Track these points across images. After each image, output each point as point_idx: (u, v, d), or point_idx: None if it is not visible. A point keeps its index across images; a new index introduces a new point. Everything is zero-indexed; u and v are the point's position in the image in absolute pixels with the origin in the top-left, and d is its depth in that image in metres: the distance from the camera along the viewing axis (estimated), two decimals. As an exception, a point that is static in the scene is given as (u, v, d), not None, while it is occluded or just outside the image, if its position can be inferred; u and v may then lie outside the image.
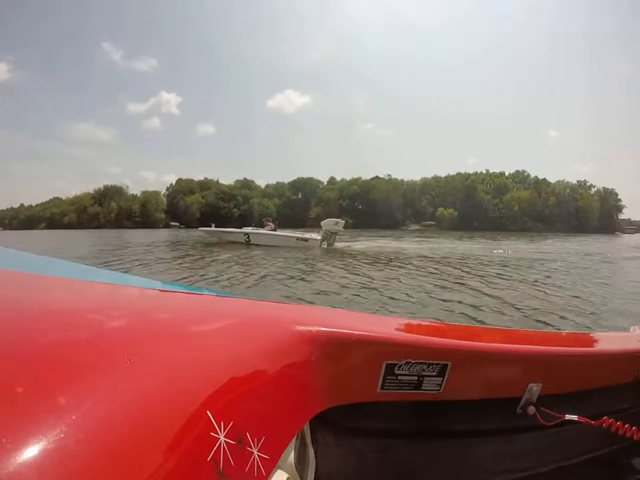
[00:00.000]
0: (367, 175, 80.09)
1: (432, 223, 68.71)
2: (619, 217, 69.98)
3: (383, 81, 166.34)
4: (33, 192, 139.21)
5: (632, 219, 74.29)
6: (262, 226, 14.72)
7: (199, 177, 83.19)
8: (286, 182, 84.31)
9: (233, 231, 15.09)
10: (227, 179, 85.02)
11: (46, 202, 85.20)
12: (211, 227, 15.85)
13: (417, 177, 78.54)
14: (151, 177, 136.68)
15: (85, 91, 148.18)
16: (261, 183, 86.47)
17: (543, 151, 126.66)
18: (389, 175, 78.47)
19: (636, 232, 67.75)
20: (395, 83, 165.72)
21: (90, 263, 7.45)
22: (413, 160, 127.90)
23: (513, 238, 25.05)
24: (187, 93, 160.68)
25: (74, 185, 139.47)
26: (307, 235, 13.84)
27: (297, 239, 13.53)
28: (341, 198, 75.60)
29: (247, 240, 13.87)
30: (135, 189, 79.89)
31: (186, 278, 5.89)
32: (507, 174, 71.48)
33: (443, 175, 76.51)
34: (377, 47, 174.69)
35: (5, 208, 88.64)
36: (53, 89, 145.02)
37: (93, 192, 77.33)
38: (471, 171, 74.53)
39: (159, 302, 0.64)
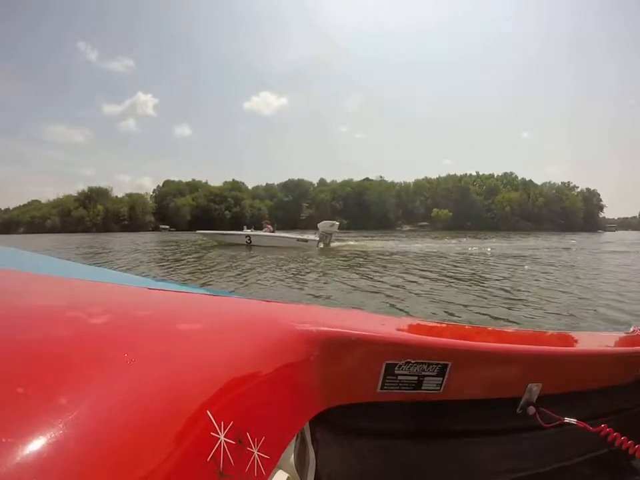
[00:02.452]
0: (346, 176, 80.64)
1: (425, 223, 69.71)
2: (600, 216, 73.24)
3: (362, 84, 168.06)
4: (5, 195, 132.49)
5: (606, 217, 78.04)
6: (260, 228, 15.04)
7: (175, 179, 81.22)
8: (275, 183, 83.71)
9: (233, 234, 15.27)
10: (206, 181, 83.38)
11: (24, 205, 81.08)
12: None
13: (394, 178, 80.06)
14: (126, 179, 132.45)
15: (58, 91, 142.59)
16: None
17: (516, 152, 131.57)
18: (380, 177, 79.27)
19: (616, 229, 71.21)
20: (374, 85, 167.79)
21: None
22: (390, 160, 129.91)
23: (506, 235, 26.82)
24: (164, 94, 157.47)
25: (47, 188, 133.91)
26: (306, 236, 14.31)
27: (298, 239, 13.97)
28: (334, 199, 75.64)
29: (248, 242, 14.07)
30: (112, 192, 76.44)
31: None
32: (495, 175, 73.50)
33: (427, 176, 78.19)
34: (356, 49, 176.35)
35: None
36: (25, 88, 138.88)
37: (76, 194, 74.11)
38: (446, 172, 76.52)
39: (159, 301, 0.64)
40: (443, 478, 0.65)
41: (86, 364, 0.30)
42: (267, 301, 0.72)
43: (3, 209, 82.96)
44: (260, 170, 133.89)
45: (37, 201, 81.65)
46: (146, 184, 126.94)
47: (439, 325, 0.83)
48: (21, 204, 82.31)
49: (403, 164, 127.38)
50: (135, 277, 1.09)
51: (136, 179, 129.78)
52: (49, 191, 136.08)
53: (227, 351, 0.39)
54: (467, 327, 0.87)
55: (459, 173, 74.97)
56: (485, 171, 74.72)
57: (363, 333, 0.52)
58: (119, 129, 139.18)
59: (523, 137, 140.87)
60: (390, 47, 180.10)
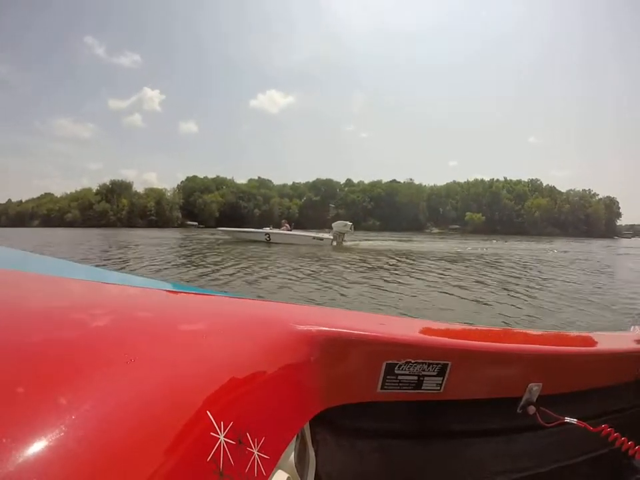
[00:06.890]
0: (354, 176, 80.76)
1: (456, 226, 71.28)
2: (616, 223, 77.13)
3: (368, 83, 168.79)
4: (13, 187, 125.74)
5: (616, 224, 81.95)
6: (279, 227, 15.99)
7: (179, 175, 79.51)
8: (301, 182, 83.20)
9: (253, 231, 16.08)
10: (232, 177, 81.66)
11: (38, 198, 76.79)
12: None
13: (399, 177, 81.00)
14: (131, 175, 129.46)
15: (65, 85, 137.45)
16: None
17: (522, 155, 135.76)
18: (410, 179, 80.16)
19: (633, 236, 74.90)
20: (382, 84, 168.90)
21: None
22: (395, 161, 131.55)
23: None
24: (171, 90, 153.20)
25: (53, 180, 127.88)
26: (321, 235, 15.17)
27: (313, 237, 14.90)
28: (364, 200, 76.01)
29: (267, 239, 14.94)
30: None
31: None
32: (522, 181, 75.96)
33: (458, 180, 79.80)
34: (364, 49, 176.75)
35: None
36: (32, 82, 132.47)
37: (98, 187, 70.73)
38: (451, 174, 78.57)
39: (159, 301, 0.64)
40: (443, 478, 0.65)
41: (86, 364, 0.30)
42: (267, 301, 0.71)
43: (14, 201, 78.23)
44: (267, 167, 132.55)
45: (49, 193, 77.87)
46: (151, 179, 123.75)
47: (439, 324, 0.83)
48: (31, 197, 78.10)
49: (410, 164, 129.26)
50: (133, 277, 1.10)
51: (141, 174, 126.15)
52: (55, 184, 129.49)
53: (226, 351, 0.39)
54: (467, 326, 0.86)
55: (463, 175, 77.11)
56: (486, 174, 76.63)
57: (363, 333, 0.52)
58: (125, 124, 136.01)
59: (529, 141, 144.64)
60: (396, 46, 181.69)
